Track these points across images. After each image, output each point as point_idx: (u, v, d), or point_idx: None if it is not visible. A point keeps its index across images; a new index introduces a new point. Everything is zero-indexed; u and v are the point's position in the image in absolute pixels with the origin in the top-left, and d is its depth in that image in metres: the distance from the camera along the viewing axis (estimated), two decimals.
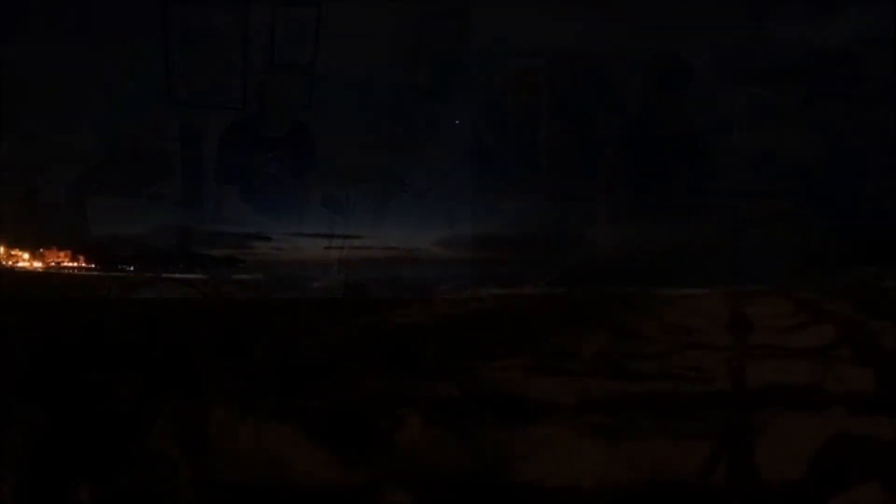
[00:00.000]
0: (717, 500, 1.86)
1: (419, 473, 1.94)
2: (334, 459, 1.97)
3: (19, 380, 3.12)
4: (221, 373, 3.49)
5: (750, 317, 6.63)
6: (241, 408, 2.24)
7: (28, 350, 3.96)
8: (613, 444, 2.06)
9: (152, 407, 2.36)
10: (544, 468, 2.00)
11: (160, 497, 1.80)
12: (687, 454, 2.02)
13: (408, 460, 2.05)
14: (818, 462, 1.95)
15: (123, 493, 1.79)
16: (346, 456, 2.00)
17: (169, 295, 12.71)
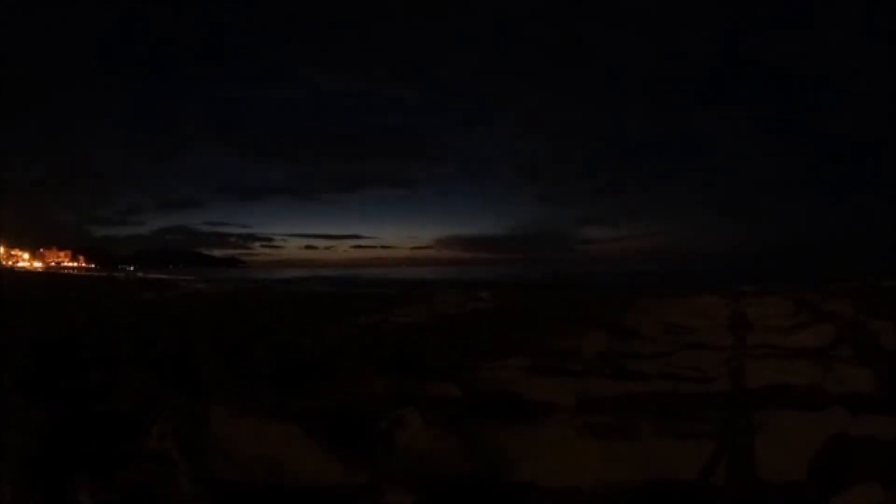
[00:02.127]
0: (717, 500, 1.86)
1: (419, 473, 1.94)
2: (334, 459, 1.97)
3: (20, 379, 3.12)
4: (221, 373, 3.49)
5: (750, 317, 6.63)
6: (240, 408, 2.24)
7: (28, 349, 3.96)
8: (613, 444, 2.06)
9: (152, 407, 2.36)
10: (544, 468, 2.00)
11: (160, 497, 1.80)
12: (687, 454, 2.02)
13: (408, 460, 2.05)
14: (818, 462, 1.95)
15: (123, 493, 1.79)
16: (346, 456, 1.99)
17: (169, 294, 12.73)
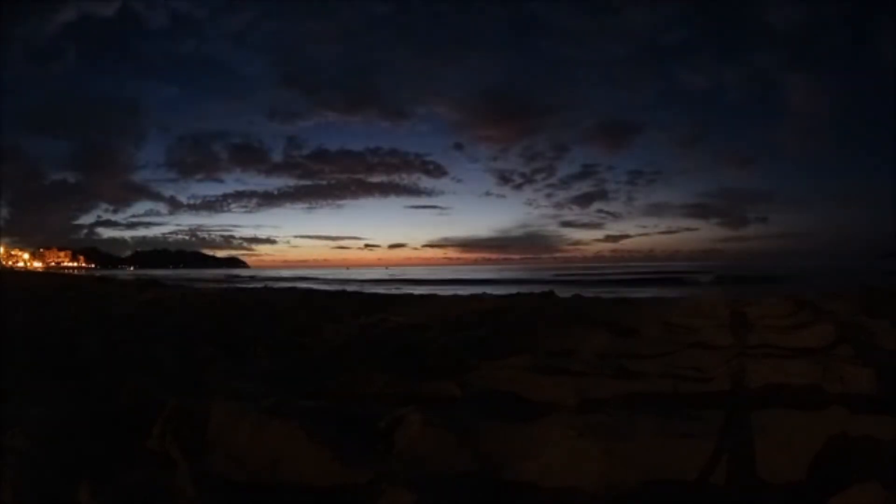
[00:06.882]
0: (717, 500, 1.86)
1: (419, 473, 1.94)
2: (334, 459, 1.97)
3: (20, 379, 3.12)
4: (221, 373, 3.49)
5: (750, 317, 6.62)
6: (240, 408, 2.24)
7: (28, 350, 3.96)
8: (613, 444, 2.06)
9: (152, 407, 2.36)
10: (544, 468, 2.00)
11: (160, 497, 1.80)
12: (687, 454, 2.02)
13: (408, 460, 2.05)
14: (818, 462, 1.95)
15: (123, 492, 1.79)
16: (346, 455, 2.00)
17: (169, 294, 12.72)
